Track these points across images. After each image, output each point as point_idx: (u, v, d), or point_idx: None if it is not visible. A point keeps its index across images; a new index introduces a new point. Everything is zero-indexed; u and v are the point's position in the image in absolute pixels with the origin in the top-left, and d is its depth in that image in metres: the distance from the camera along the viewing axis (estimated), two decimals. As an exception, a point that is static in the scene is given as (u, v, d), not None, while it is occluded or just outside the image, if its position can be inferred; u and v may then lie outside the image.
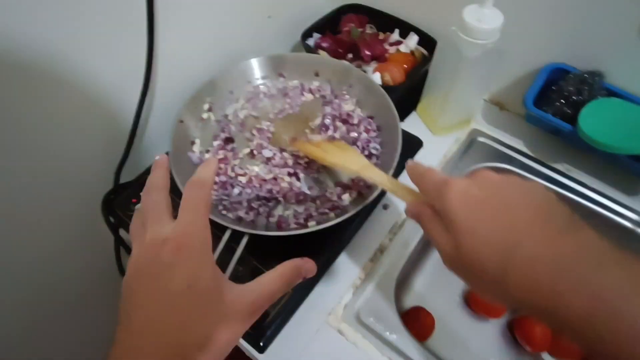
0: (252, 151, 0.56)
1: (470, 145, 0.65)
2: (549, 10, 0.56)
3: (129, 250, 0.61)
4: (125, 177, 0.58)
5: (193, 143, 0.56)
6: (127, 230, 0.55)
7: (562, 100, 0.57)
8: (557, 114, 0.57)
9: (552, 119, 0.56)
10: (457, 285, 0.62)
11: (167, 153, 0.55)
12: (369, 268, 0.53)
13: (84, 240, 0.58)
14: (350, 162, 0.45)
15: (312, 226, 0.48)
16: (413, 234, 0.56)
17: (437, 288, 0.62)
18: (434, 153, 0.63)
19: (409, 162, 0.37)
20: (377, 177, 0.42)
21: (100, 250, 0.62)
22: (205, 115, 0.58)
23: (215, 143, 0.56)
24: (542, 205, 0.28)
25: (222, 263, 0.48)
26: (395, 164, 0.49)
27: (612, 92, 0.55)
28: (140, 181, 0.58)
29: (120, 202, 0.56)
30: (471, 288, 0.30)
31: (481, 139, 0.65)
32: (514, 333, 0.58)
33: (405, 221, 0.57)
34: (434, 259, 0.65)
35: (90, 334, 0.68)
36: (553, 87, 0.58)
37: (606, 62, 0.55)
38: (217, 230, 0.49)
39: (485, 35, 0.51)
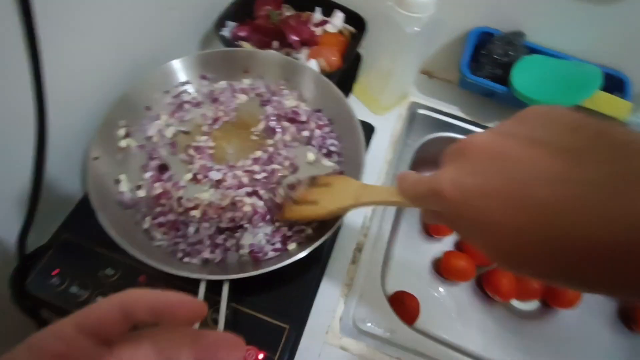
0: (195, 176, 0.47)
1: (413, 119, 0.64)
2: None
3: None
4: (33, 243, 0.45)
5: (118, 181, 0.45)
6: (51, 310, 0.43)
7: (492, 63, 0.58)
8: (490, 77, 0.59)
9: (489, 83, 0.58)
10: (423, 257, 0.64)
11: (85, 197, 0.43)
12: (353, 271, 0.50)
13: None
14: (342, 198, 0.37)
15: (293, 250, 0.43)
16: (384, 222, 0.55)
17: (409, 267, 0.62)
18: (383, 135, 0.61)
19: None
20: (383, 193, 0.32)
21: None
22: (123, 143, 0.47)
23: (147, 175, 0.46)
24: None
25: (205, 321, 0.40)
26: (363, 160, 0.45)
27: (533, 50, 0.59)
28: (57, 241, 0.45)
29: (36, 278, 0.43)
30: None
31: (421, 111, 0.65)
32: (484, 288, 0.62)
33: (374, 212, 0.55)
34: (401, 240, 0.64)
35: None
36: (482, 52, 0.59)
37: (525, 22, 0.58)
38: (185, 284, 0.40)
39: (425, 7, 0.49)
